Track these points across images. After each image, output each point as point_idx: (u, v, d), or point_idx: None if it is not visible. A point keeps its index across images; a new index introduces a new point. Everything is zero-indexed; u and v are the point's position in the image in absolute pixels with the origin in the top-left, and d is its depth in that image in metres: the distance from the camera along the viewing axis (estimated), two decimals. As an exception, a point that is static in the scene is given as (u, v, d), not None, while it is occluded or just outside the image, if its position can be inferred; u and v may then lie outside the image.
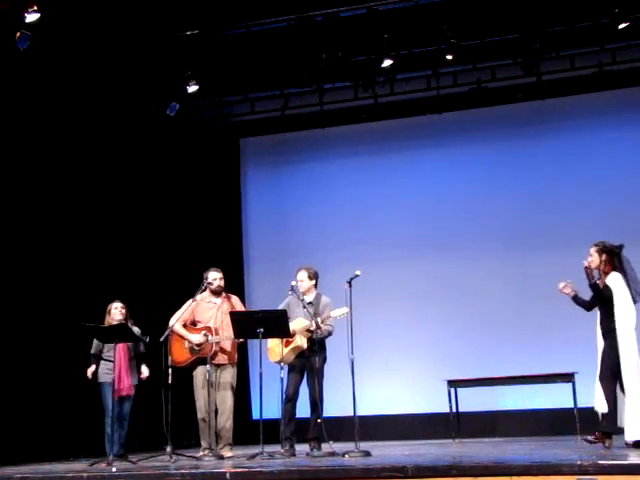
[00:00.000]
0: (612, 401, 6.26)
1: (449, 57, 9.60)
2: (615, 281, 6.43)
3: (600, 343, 6.48)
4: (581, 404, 8.29)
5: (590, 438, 6.34)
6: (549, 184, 10.47)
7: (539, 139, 10.65)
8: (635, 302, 6.40)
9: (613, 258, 6.53)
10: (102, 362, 7.48)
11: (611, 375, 6.32)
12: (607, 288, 6.45)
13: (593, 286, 6.55)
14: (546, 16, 9.19)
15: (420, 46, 9.87)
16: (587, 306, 6.77)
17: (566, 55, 10.06)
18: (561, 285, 6.79)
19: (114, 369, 7.22)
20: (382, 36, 9.32)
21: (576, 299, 6.80)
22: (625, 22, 8.99)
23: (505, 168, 10.76)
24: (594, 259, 6.58)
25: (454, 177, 10.89)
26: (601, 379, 6.37)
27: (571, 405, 8.34)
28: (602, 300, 6.49)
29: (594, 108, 10.48)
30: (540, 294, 10.07)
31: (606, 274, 6.49)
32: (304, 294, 7.13)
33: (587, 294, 6.69)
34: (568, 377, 8.43)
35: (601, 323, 6.50)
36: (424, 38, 9.61)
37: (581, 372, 8.40)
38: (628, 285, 6.42)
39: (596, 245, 6.62)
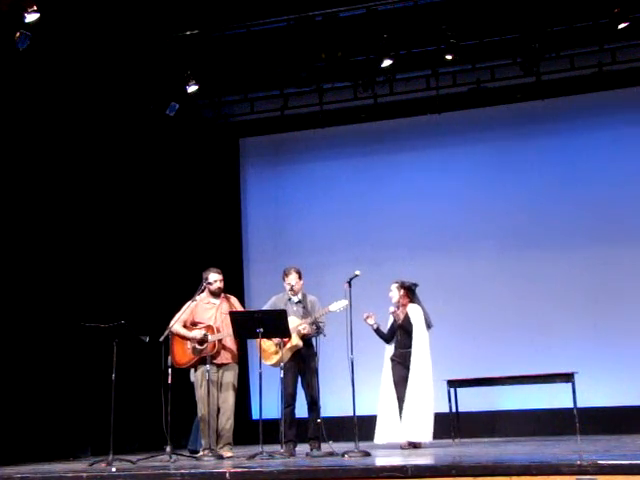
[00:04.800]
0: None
1: (448, 57, 9.60)
2: (415, 311, 7.59)
3: (387, 367, 7.60)
4: (581, 404, 8.29)
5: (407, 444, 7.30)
6: (549, 184, 10.46)
7: (538, 139, 10.64)
8: (429, 328, 7.62)
9: (409, 293, 7.68)
10: None
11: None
12: (407, 317, 7.57)
13: (395, 322, 7.65)
14: (545, 16, 9.19)
15: (419, 46, 9.88)
16: (388, 338, 7.72)
17: (565, 55, 10.04)
18: (365, 316, 7.48)
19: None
20: (381, 36, 9.32)
21: (378, 331, 7.62)
22: (625, 22, 8.99)
23: (505, 168, 10.75)
24: (394, 294, 7.70)
25: (454, 177, 10.88)
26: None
27: (570, 405, 8.32)
28: (404, 328, 7.55)
29: (594, 108, 10.48)
30: (540, 294, 10.11)
31: (404, 306, 7.64)
32: (294, 294, 7.20)
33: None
34: (567, 377, 8.42)
35: (400, 348, 7.56)
36: (423, 38, 9.62)
37: (581, 372, 8.40)
38: (424, 314, 7.62)
39: (396, 282, 7.72)
